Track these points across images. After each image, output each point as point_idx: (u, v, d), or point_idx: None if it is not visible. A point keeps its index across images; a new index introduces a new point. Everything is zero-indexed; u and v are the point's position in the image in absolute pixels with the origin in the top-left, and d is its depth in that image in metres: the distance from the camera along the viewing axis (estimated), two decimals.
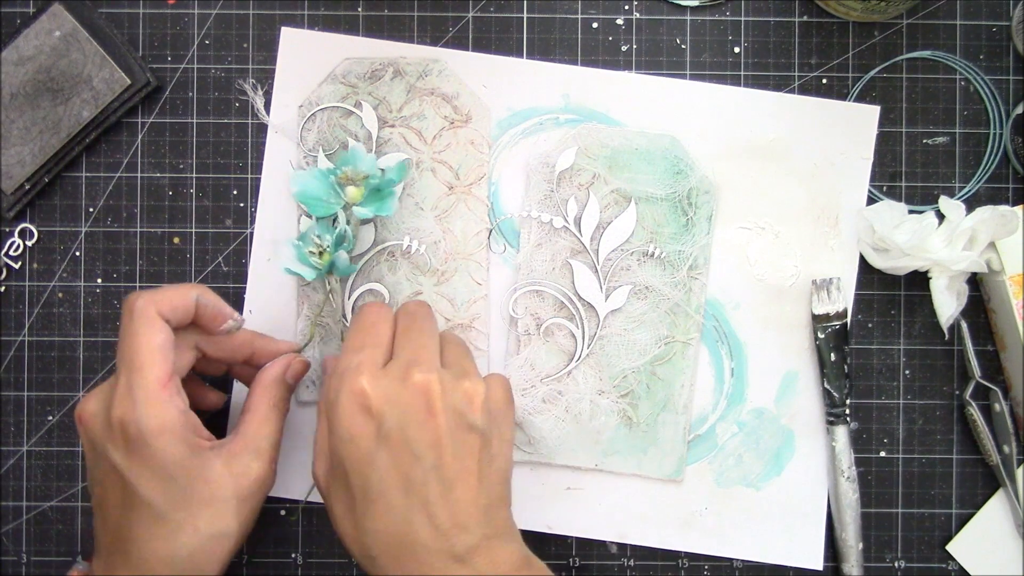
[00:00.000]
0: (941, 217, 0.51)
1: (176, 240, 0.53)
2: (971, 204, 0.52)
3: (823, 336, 0.51)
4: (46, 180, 0.52)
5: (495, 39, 0.53)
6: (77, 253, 0.53)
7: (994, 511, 0.52)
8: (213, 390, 0.51)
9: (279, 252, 0.50)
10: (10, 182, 0.52)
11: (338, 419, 0.41)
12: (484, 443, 0.42)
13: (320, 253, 0.48)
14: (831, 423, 0.51)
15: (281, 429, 0.46)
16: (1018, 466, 0.52)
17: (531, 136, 0.52)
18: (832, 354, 0.51)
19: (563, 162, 0.51)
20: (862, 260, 0.52)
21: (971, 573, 0.52)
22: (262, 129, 0.53)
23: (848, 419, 0.51)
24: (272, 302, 0.52)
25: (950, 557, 0.52)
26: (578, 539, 0.52)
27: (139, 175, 0.53)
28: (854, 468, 0.51)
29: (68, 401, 0.53)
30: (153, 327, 0.42)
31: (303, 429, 0.52)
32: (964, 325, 0.52)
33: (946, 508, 0.53)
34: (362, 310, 0.45)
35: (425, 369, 0.41)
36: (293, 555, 0.53)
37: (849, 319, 0.52)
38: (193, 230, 0.53)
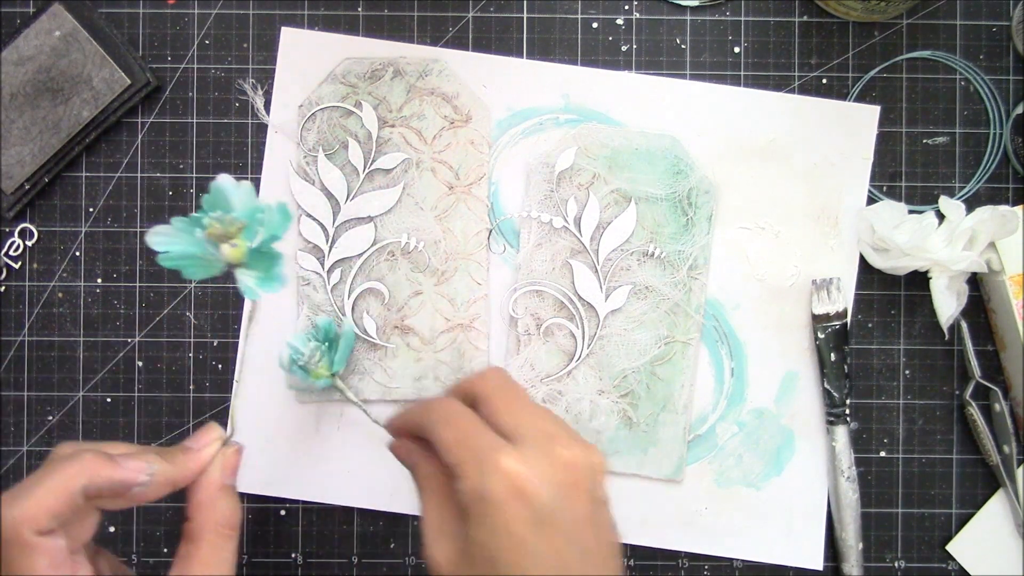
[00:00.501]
0: (941, 217, 0.51)
1: None
2: (971, 204, 0.52)
3: (823, 336, 0.51)
4: (46, 180, 0.52)
5: (495, 39, 0.53)
6: (77, 253, 0.53)
7: (994, 511, 0.52)
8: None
9: (291, 381, 0.50)
10: (10, 182, 0.52)
11: (490, 506, 0.35)
12: (611, 518, 0.39)
13: (310, 364, 0.48)
14: (831, 423, 0.51)
15: (235, 552, 0.39)
16: (1018, 466, 0.52)
17: (531, 136, 0.52)
18: (832, 354, 0.51)
19: (563, 162, 0.51)
20: (862, 260, 0.52)
21: (971, 573, 0.52)
22: (262, 129, 0.53)
23: (848, 419, 0.51)
24: (272, 302, 0.52)
25: (950, 557, 0.52)
26: None
27: (139, 175, 0.53)
28: (854, 468, 0.51)
29: (68, 401, 0.53)
30: (32, 553, 0.34)
31: (304, 428, 0.52)
32: (964, 325, 0.52)
33: (946, 508, 0.53)
34: (435, 407, 0.39)
35: (566, 443, 0.37)
36: (293, 555, 0.53)
37: (849, 319, 0.52)
38: None
